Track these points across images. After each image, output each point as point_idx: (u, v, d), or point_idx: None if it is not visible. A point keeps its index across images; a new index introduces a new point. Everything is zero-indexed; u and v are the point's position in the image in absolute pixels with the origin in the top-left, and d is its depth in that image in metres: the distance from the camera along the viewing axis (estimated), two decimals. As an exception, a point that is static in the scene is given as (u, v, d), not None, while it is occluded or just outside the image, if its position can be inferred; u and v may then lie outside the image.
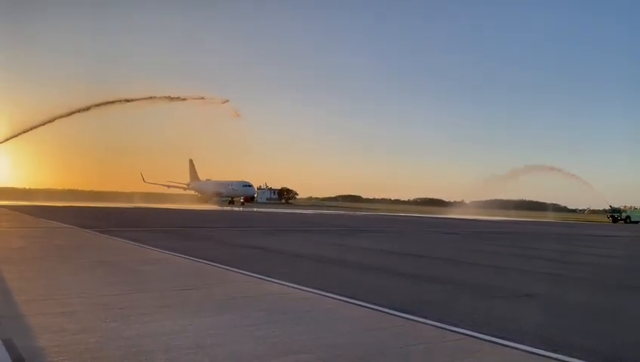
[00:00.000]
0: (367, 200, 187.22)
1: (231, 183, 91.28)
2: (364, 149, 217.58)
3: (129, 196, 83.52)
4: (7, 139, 40.23)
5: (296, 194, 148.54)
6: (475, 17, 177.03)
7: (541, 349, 5.74)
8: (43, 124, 41.04)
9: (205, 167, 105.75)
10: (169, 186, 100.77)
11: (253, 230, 26.20)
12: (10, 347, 4.99)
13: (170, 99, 48.71)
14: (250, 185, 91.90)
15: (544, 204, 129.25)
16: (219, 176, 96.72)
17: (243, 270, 10.82)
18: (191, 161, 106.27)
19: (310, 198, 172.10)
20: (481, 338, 6.09)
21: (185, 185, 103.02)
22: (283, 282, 9.48)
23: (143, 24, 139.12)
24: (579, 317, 8.24)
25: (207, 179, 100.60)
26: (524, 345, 5.87)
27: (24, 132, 40.59)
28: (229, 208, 66.76)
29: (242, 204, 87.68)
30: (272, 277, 9.93)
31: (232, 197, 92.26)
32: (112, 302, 7.31)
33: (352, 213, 66.67)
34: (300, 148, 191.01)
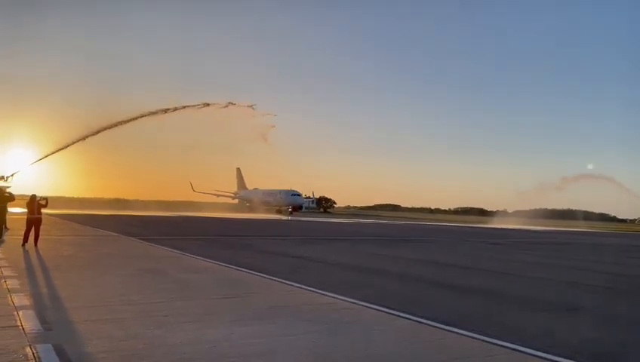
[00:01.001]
0: (406, 209, 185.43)
1: (279, 192, 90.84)
2: (403, 157, 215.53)
3: (176, 205, 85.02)
4: (56, 151, 41.91)
5: (335, 203, 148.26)
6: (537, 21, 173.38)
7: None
8: (86, 137, 42.59)
9: (247, 175, 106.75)
10: (218, 195, 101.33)
11: (293, 239, 26.31)
12: (60, 352, 5.16)
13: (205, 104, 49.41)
14: (298, 194, 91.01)
15: (592, 213, 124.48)
16: (264, 185, 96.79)
17: (284, 279, 10.87)
18: (238, 170, 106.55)
19: (348, 207, 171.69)
20: (528, 353, 5.91)
21: (232, 194, 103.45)
22: (324, 292, 9.47)
23: (163, 33, 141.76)
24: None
25: (254, 188, 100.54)
26: (575, 361, 5.66)
27: (73, 143, 42.18)
28: (275, 217, 66.90)
29: (290, 213, 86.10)
30: (312, 287, 9.94)
31: (280, 206, 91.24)
32: (157, 309, 7.47)
33: (391, 222, 66.07)
34: (336, 157, 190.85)
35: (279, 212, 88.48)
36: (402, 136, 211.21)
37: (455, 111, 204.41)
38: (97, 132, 42.97)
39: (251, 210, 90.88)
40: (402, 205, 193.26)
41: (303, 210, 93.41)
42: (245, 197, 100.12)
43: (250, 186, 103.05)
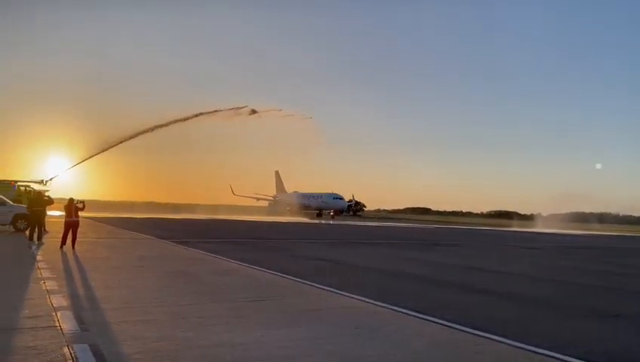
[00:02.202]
0: (437, 213, 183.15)
1: (320, 195, 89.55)
2: (433, 160, 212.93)
3: (215, 208, 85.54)
4: (92, 156, 43.05)
5: (364, 206, 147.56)
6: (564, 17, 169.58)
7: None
8: (124, 141, 43.51)
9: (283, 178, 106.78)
10: (258, 199, 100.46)
11: (323, 242, 26.31)
12: (96, 352, 5.28)
13: (253, 112, 49.80)
14: (341, 198, 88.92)
15: (631, 217, 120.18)
16: (304, 188, 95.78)
17: (315, 282, 10.87)
18: (277, 173, 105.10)
19: (379, 211, 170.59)
20: (564, 360, 5.74)
21: (271, 198, 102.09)
22: (354, 296, 9.42)
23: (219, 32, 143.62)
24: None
25: (294, 191, 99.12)
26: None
27: (110, 147, 43.21)
28: (305, 220, 66.56)
29: (332, 217, 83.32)
30: (343, 291, 9.90)
31: (321, 210, 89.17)
32: (189, 311, 7.57)
33: (422, 225, 65.40)
34: (366, 159, 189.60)
35: (319, 216, 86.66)
36: (433, 139, 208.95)
37: (489, 113, 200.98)
38: (133, 136, 43.97)
39: (292, 213, 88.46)
40: (433, 208, 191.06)
41: (343, 213, 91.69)
42: (285, 201, 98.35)
43: (288, 189, 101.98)
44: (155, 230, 28.90)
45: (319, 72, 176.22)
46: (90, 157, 43.36)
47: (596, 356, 6.01)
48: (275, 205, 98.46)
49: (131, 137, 43.64)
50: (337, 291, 9.93)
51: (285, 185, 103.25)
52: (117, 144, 43.29)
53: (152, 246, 19.36)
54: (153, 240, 22.15)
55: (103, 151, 43.10)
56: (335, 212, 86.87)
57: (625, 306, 10.33)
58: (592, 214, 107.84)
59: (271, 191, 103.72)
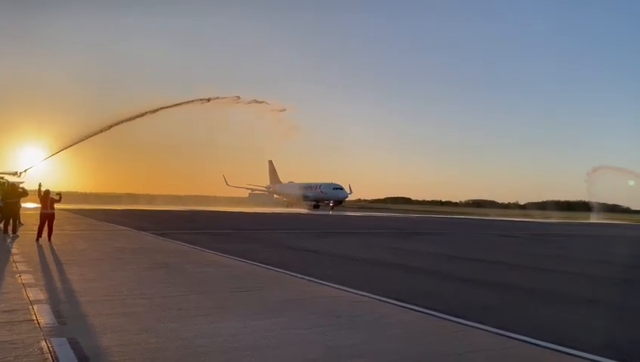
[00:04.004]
0: (417, 203, 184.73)
1: (319, 185, 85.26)
2: (413, 150, 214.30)
3: (211, 199, 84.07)
4: (71, 145, 42.17)
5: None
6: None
7: (608, 358, 5.46)
8: (103, 131, 42.70)
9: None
10: (252, 190, 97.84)
11: (307, 232, 26.33)
12: (75, 345, 5.20)
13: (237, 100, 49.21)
14: (341, 188, 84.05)
15: (605, 205, 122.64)
16: (299, 178, 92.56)
17: (297, 273, 10.88)
18: (271, 163, 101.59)
19: (359, 200, 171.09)
20: (542, 346, 5.85)
21: (265, 188, 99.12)
22: (336, 285, 9.46)
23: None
24: None
25: (289, 182, 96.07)
26: (589, 353, 5.59)
27: (89, 137, 42.38)
28: (290, 211, 66.09)
29: (332, 208, 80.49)
30: (324, 281, 9.93)
31: (320, 201, 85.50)
32: (170, 303, 7.51)
33: (402, 215, 65.90)
34: (345, 150, 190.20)
35: (317, 207, 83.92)
36: (412, 130, 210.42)
37: (465, 105, 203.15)
38: (111, 126, 43.21)
39: (289, 204, 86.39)
40: (413, 198, 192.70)
41: (343, 204, 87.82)
42: (280, 191, 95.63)
43: (284, 180, 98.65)
44: (135, 222, 28.59)
45: (302, 66, 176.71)
46: (67, 148, 42.54)
47: (569, 341, 6.12)
48: (258, 196, 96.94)
49: (111, 127, 42.90)
50: (319, 281, 9.95)
51: (280, 175, 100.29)
52: (96, 134, 42.52)
53: (131, 238, 19.13)
54: (132, 231, 21.89)
55: (80, 141, 42.31)
56: (334, 203, 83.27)
57: (598, 293, 10.55)
58: (567, 203, 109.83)
59: (264, 181, 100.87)
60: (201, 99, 46.76)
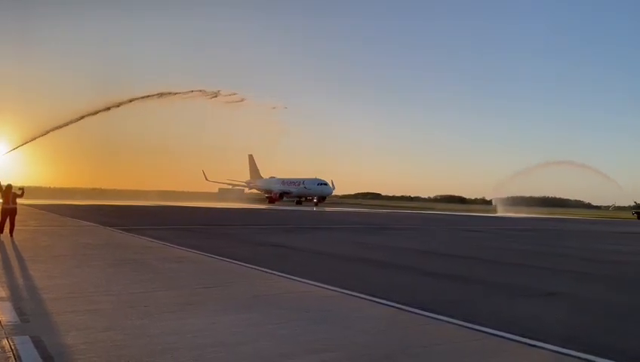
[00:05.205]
0: (387, 198, 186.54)
1: (302, 181, 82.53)
2: (384, 146, 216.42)
3: (180, 195, 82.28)
4: (34, 138, 40.88)
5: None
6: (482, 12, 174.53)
7: (569, 349, 5.63)
8: (70, 123, 41.57)
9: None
10: (233, 186, 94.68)
11: (275, 228, 26.28)
12: (38, 344, 5.07)
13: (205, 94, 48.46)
14: (325, 184, 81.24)
15: (568, 200, 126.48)
16: (281, 174, 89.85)
17: (266, 268, 10.85)
18: (251, 157, 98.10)
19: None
20: (507, 338, 6.00)
21: (245, 183, 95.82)
22: (305, 280, 9.48)
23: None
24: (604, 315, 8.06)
25: (271, 177, 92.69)
26: (550, 344, 5.76)
27: (53, 130, 41.13)
28: (258, 206, 65.46)
29: (316, 204, 78.48)
30: (294, 276, 9.94)
31: (303, 197, 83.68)
32: (137, 299, 7.40)
33: (372, 210, 66.37)
34: (317, 145, 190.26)
35: (299, 203, 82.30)
36: (383, 127, 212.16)
37: (432, 101, 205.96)
38: (77, 120, 42.14)
39: (271, 200, 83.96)
40: (383, 193, 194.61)
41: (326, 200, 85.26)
42: (260, 187, 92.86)
43: (264, 175, 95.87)
44: (101, 217, 28.03)
45: (282, 62, 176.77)
46: (30, 141, 41.31)
47: (533, 332, 6.30)
48: (228, 192, 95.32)
49: (78, 120, 41.83)
50: (288, 276, 9.96)
51: (260, 170, 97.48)
52: (61, 127, 41.38)
53: (97, 234, 18.74)
54: (98, 227, 21.44)
55: (45, 134, 41.12)
56: (318, 199, 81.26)
57: (559, 285, 10.87)
58: (532, 198, 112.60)
59: (244, 177, 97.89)
60: (158, 94, 46.15)
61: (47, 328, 5.72)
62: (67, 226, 22.03)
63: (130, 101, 44.47)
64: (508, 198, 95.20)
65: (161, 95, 46.16)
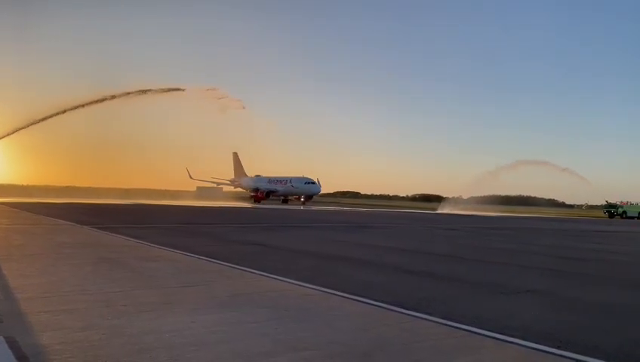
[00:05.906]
0: (366, 197, 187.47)
1: (289, 179, 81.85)
2: (363, 146, 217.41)
3: (157, 193, 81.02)
4: (16, 130, 39.98)
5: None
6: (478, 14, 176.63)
7: (545, 346, 5.73)
8: (49, 117, 40.78)
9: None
10: (218, 184, 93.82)
11: (255, 226, 26.18)
12: (12, 344, 4.96)
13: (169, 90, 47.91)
14: (313, 182, 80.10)
15: (541, 199, 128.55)
16: (267, 172, 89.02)
17: (245, 266, 10.80)
18: (235, 155, 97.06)
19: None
20: (485, 335, 6.07)
21: (229, 182, 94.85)
22: (285, 279, 9.46)
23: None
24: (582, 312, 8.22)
25: (256, 175, 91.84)
26: (528, 341, 5.86)
27: (32, 124, 40.28)
28: (239, 204, 64.90)
29: (303, 203, 77.79)
30: (274, 274, 9.92)
31: (289, 196, 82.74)
32: (114, 299, 7.28)
33: (352, 209, 66.62)
34: (296, 144, 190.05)
35: (285, 202, 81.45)
36: (361, 126, 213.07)
37: (413, 101, 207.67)
38: (50, 116, 41.37)
39: (257, 199, 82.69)
40: (361, 192, 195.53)
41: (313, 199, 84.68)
42: (246, 185, 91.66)
43: (249, 173, 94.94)
44: (77, 215, 27.57)
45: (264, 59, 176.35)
46: (1, 138, 40.41)
47: (511, 330, 6.39)
48: (206, 190, 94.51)
49: (53, 115, 41.09)
50: (267, 275, 9.93)
51: (245, 168, 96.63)
52: (37, 122, 40.58)
53: (73, 232, 18.41)
54: (74, 226, 21.06)
55: (15, 131, 40.28)
56: (305, 198, 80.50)
57: (535, 282, 11.06)
58: (507, 197, 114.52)
59: (229, 175, 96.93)
60: (140, 90, 45.65)
61: (21, 328, 5.60)
62: (41, 225, 21.61)
63: (113, 98, 43.87)
64: (483, 197, 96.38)
65: (143, 92, 45.63)
